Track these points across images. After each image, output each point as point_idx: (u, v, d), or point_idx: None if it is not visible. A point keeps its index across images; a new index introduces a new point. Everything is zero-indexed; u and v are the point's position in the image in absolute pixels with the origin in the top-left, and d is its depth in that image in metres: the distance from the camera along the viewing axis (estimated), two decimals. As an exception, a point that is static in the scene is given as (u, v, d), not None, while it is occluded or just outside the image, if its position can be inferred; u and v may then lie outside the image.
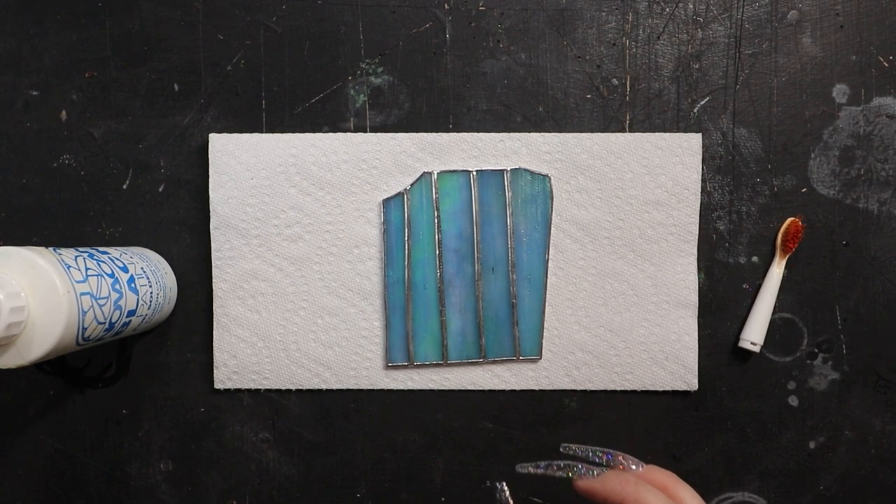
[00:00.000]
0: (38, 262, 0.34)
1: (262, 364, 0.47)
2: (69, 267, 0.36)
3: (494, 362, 0.47)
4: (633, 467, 0.33)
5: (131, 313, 0.40)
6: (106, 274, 0.38)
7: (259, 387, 0.47)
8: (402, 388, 0.47)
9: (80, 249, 0.39)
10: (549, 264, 0.47)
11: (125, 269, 0.41)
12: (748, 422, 0.47)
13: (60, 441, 0.48)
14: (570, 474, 0.33)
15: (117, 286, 0.39)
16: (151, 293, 0.42)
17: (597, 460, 0.33)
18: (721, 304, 0.47)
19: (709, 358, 0.47)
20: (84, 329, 0.36)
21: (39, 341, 0.34)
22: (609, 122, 0.47)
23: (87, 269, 0.37)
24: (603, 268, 0.47)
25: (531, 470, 0.34)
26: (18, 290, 0.33)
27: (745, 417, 0.47)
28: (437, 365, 0.47)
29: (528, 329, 0.46)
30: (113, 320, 0.38)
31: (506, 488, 0.35)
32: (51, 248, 0.36)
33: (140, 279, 0.41)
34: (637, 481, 0.31)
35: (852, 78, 0.47)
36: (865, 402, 0.47)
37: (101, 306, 0.37)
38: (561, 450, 0.34)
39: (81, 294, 0.35)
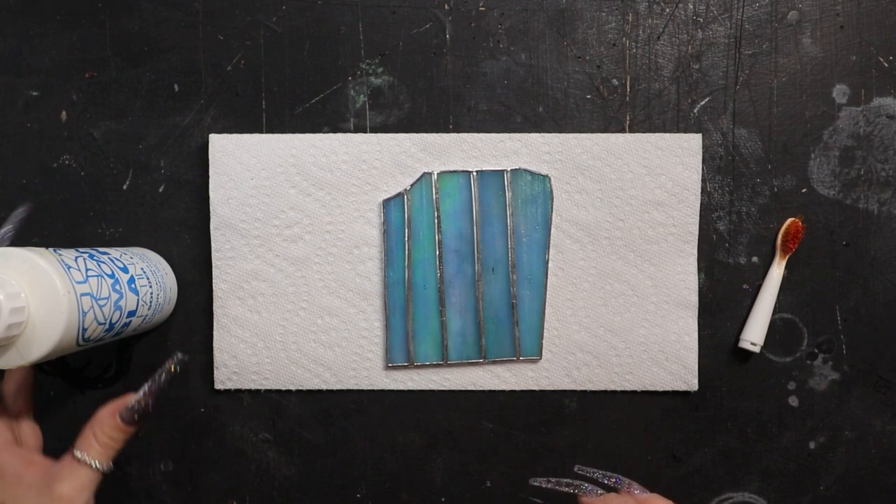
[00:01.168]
0: (38, 262, 0.34)
1: (262, 364, 0.47)
2: (69, 267, 0.36)
3: (494, 362, 0.47)
4: (637, 493, 0.34)
5: (131, 314, 0.40)
6: (106, 274, 0.38)
7: (259, 387, 0.47)
8: (402, 388, 0.47)
9: (81, 250, 0.39)
10: (549, 264, 0.46)
11: (125, 270, 0.41)
12: (748, 422, 0.47)
13: (60, 441, 0.48)
14: (577, 491, 0.34)
15: (117, 287, 0.39)
16: (151, 293, 0.42)
17: (605, 482, 0.35)
18: (721, 304, 0.47)
19: (709, 358, 0.47)
20: (84, 329, 0.36)
21: (40, 342, 0.34)
22: (609, 123, 0.47)
23: (87, 269, 0.37)
24: (603, 268, 0.47)
25: (543, 485, 0.36)
26: (18, 291, 0.33)
27: (745, 417, 0.47)
28: (438, 365, 0.47)
29: (528, 329, 0.46)
30: (113, 321, 0.38)
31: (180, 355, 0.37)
32: (51, 249, 0.36)
33: (140, 279, 0.41)
34: None
35: (852, 78, 0.47)
36: (865, 402, 0.47)
37: (101, 307, 0.37)
38: (575, 470, 0.36)
39: (82, 295, 0.35)
